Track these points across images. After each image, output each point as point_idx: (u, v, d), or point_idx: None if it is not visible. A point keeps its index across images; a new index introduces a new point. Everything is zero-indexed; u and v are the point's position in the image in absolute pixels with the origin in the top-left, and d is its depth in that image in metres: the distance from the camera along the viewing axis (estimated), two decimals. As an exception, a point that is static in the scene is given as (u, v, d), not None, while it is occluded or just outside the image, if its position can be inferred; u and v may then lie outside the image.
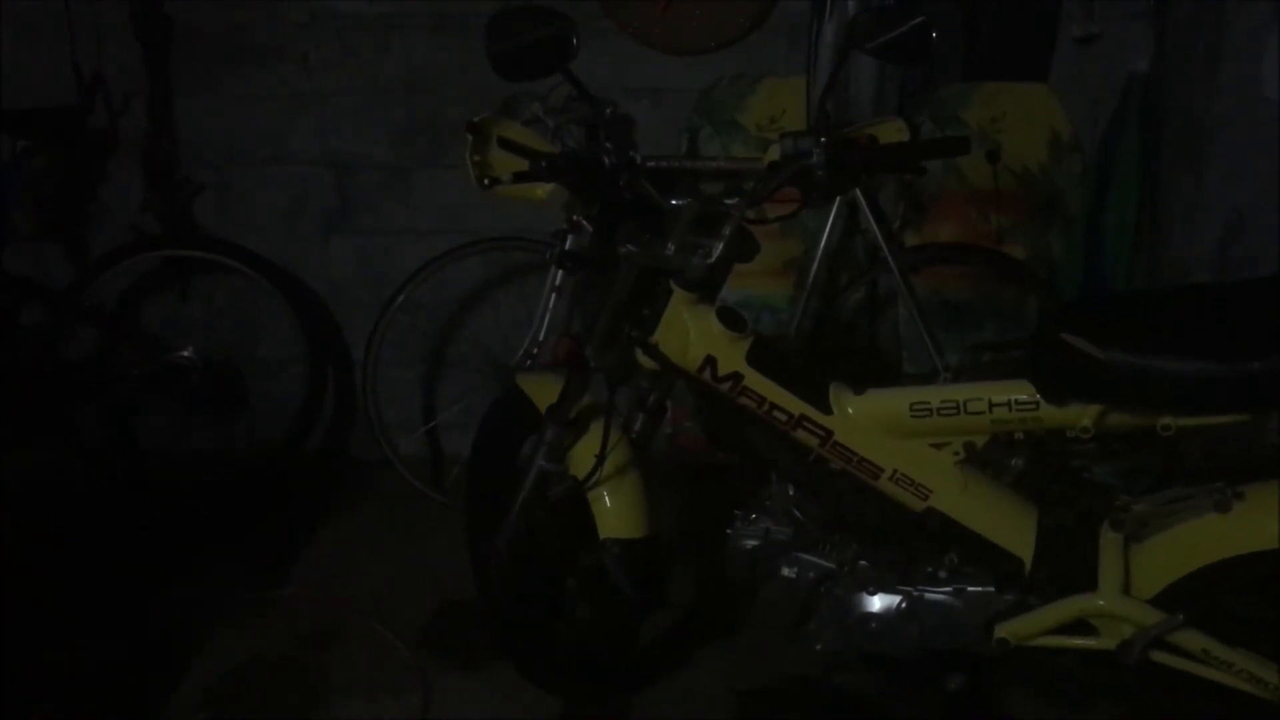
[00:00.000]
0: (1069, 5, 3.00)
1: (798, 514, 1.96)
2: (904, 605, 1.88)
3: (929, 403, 1.78)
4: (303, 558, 2.93)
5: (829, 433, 1.81)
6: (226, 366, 3.36)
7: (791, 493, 1.97)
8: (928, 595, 1.87)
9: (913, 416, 1.79)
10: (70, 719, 2.27)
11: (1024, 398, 1.72)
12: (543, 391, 2.10)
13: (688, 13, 3.06)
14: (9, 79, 3.17)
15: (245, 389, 3.43)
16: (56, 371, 3.20)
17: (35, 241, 3.28)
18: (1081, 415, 1.69)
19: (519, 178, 1.99)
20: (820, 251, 2.89)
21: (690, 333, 1.81)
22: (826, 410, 1.81)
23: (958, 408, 1.76)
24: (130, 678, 2.40)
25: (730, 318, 1.80)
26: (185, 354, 3.19)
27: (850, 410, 1.81)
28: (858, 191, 2.71)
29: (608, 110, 2.23)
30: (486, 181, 2.51)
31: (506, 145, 2.08)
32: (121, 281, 3.29)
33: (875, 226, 2.73)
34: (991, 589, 1.84)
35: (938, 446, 1.82)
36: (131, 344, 3.32)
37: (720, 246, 1.73)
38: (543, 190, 2.57)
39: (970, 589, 1.85)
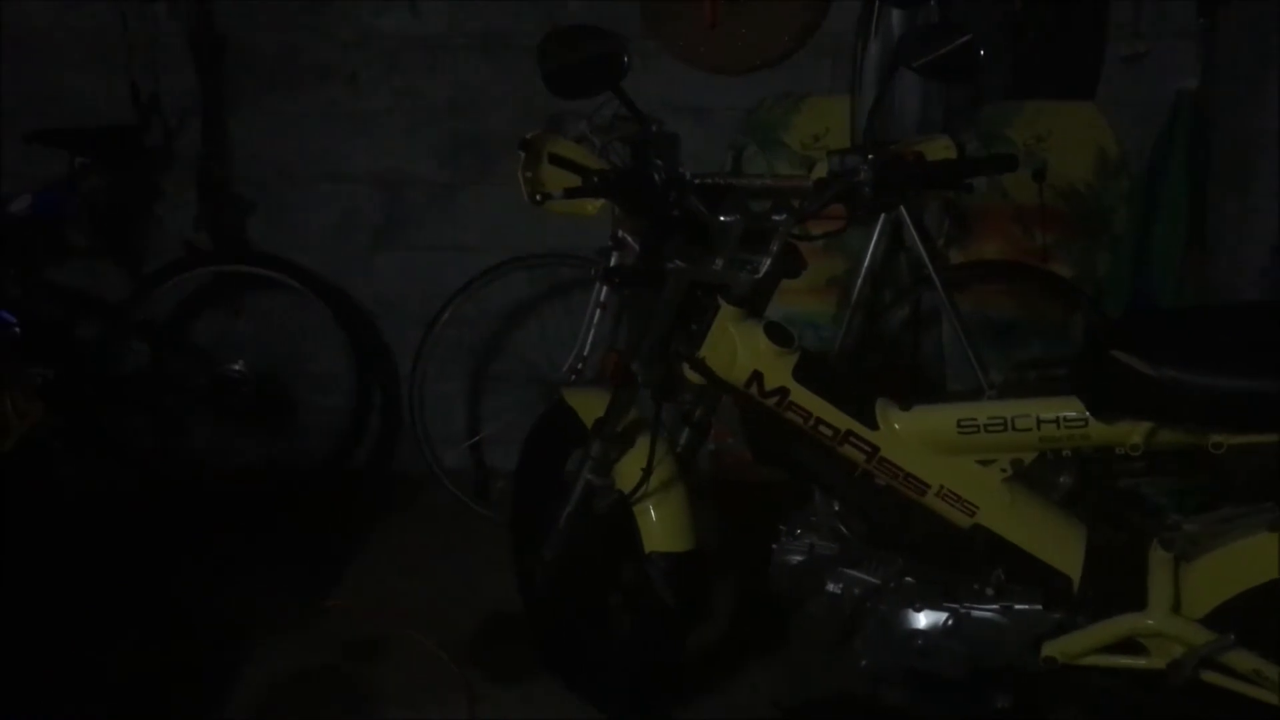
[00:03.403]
0: (1116, 23, 3.00)
1: (843, 530, 1.96)
2: (950, 623, 1.87)
3: (976, 419, 1.77)
4: (348, 569, 2.96)
5: (875, 448, 1.81)
6: (275, 380, 3.41)
7: (836, 508, 1.97)
8: (974, 613, 1.86)
9: (960, 433, 1.78)
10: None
11: (1073, 414, 1.71)
12: (589, 406, 2.11)
13: (733, 32, 3.08)
14: (69, 98, 3.25)
15: (293, 402, 3.48)
16: (109, 384, 3.26)
17: (91, 257, 3.35)
18: (1131, 432, 1.68)
19: (571, 193, 2.01)
20: (864, 269, 2.90)
21: (738, 348, 1.82)
22: (873, 426, 1.81)
23: (1005, 424, 1.75)
24: (177, 685, 2.43)
25: (777, 333, 1.81)
26: (236, 367, 3.24)
27: (897, 426, 1.81)
28: (902, 209, 2.72)
29: (654, 127, 2.27)
30: (539, 197, 2.54)
31: (558, 162, 2.11)
32: (174, 296, 3.35)
33: (920, 244, 2.73)
34: (1039, 607, 1.83)
35: (985, 463, 1.80)
36: (183, 358, 3.39)
37: (769, 262, 1.75)
38: (593, 206, 2.60)
39: (1017, 607, 1.84)
